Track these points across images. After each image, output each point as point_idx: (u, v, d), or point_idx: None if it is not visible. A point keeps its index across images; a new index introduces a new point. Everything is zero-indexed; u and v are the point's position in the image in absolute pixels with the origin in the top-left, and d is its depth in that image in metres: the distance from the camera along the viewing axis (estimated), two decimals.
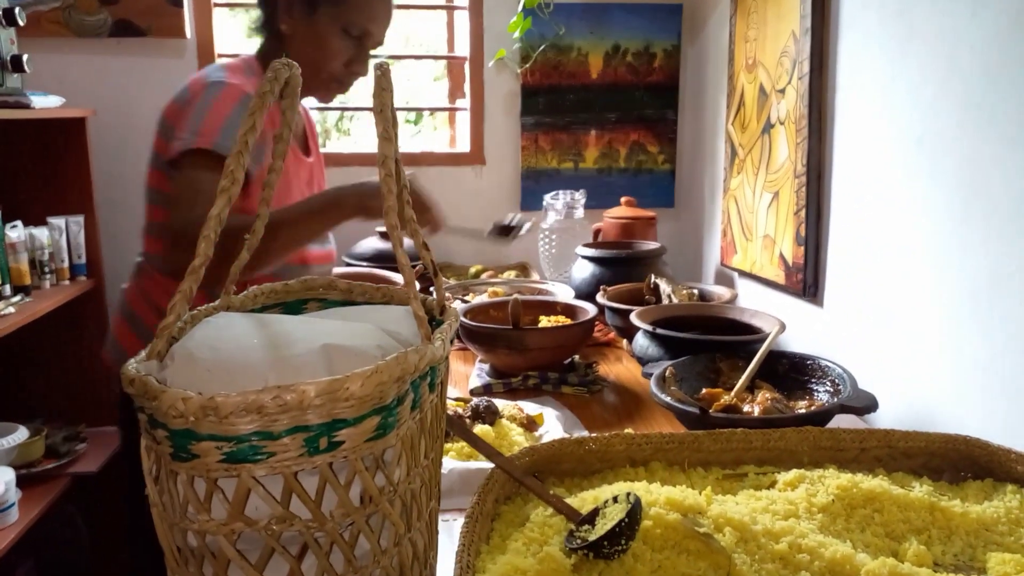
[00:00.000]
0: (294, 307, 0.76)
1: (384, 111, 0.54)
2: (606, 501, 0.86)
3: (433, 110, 2.74)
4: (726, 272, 2.17)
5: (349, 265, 2.17)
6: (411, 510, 0.52)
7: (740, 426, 1.07)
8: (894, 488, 0.96)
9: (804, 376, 1.29)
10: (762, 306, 1.89)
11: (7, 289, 1.90)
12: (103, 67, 2.34)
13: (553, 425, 1.27)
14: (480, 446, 0.93)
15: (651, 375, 1.26)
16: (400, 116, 4.14)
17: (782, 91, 1.73)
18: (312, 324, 0.55)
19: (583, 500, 0.90)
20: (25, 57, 1.80)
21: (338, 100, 1.40)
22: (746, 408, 1.20)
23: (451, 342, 0.65)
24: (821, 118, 1.63)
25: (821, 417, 1.12)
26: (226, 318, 0.56)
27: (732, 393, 1.23)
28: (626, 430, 1.04)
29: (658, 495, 0.89)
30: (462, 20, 2.49)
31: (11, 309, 1.80)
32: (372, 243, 2.23)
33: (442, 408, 0.62)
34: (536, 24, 2.33)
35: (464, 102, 2.52)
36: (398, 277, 1.98)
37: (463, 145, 2.54)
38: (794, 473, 0.99)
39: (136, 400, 0.45)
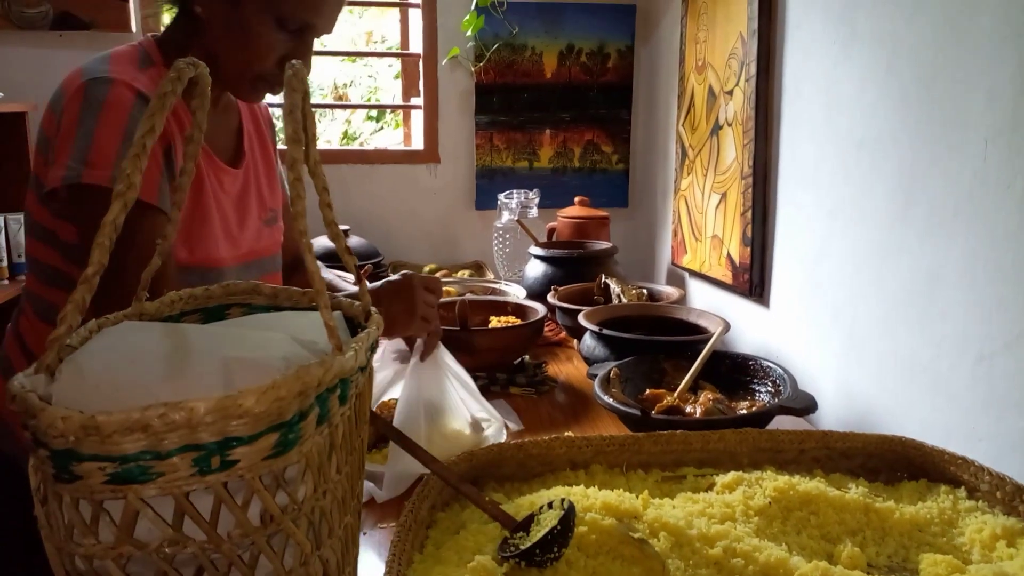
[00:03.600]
0: (215, 313, 0.74)
1: (294, 112, 0.52)
2: (541, 507, 0.85)
3: (385, 107, 2.71)
4: (677, 272, 2.17)
5: None
6: (320, 528, 0.50)
7: (680, 427, 1.07)
8: (830, 490, 0.96)
9: (746, 376, 1.29)
10: (711, 306, 1.90)
11: None
12: (44, 61, 2.27)
13: (497, 428, 1.26)
14: (416, 452, 0.91)
15: (595, 376, 1.25)
16: (360, 113, 4.06)
17: (730, 93, 1.74)
18: (219, 334, 0.53)
19: (519, 506, 0.89)
20: None
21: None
22: (688, 409, 1.20)
23: (372, 350, 0.63)
24: (768, 120, 1.64)
25: (760, 418, 1.12)
26: (129, 328, 0.53)
27: (675, 394, 1.23)
28: (567, 433, 1.04)
29: (594, 500, 0.89)
30: (416, 17, 2.47)
31: None
32: (323, 242, 2.20)
33: (360, 419, 0.60)
34: (490, 23, 2.32)
35: (419, 100, 2.50)
36: (349, 276, 1.95)
37: (418, 143, 2.51)
38: (732, 475, 0.99)
39: (21, 418, 0.43)
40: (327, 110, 3.95)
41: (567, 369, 1.65)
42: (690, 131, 2.00)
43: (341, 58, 4.03)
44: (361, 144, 3.97)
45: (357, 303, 0.71)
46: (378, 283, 1.17)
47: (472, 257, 2.48)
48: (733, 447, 1.05)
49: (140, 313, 0.63)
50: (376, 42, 4.18)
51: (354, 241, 2.23)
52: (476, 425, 1.18)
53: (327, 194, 0.64)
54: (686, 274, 2.11)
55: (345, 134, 4.24)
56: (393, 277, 1.18)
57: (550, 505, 0.85)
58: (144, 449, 0.40)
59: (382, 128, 4.28)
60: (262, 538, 0.45)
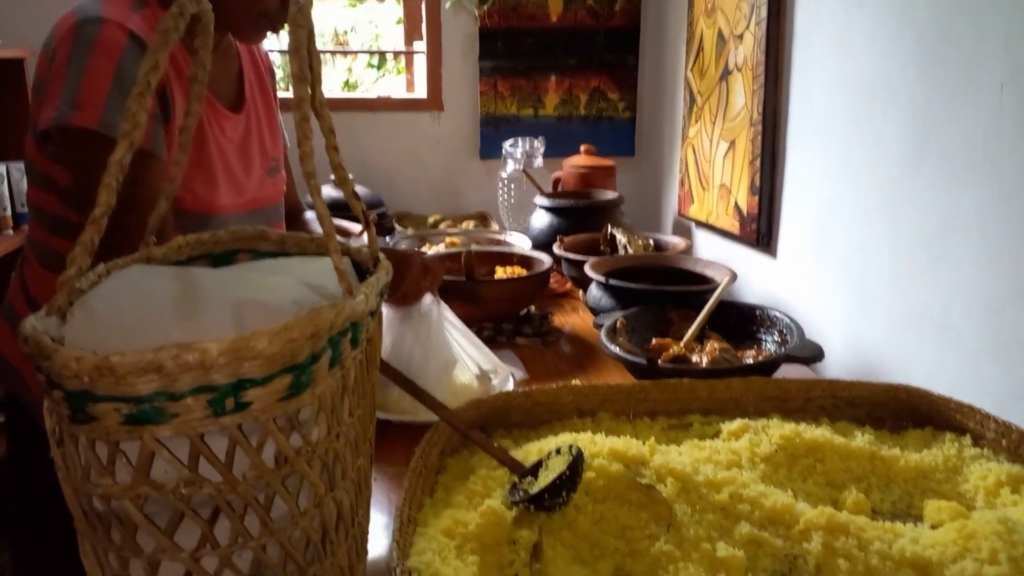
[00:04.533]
0: (223, 259, 0.73)
1: (299, 50, 0.50)
2: (549, 453, 0.86)
3: (386, 53, 2.66)
4: (684, 222, 2.16)
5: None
6: (334, 470, 0.51)
7: (687, 376, 1.07)
8: (836, 437, 0.97)
9: (753, 326, 1.29)
10: (718, 256, 1.90)
11: None
12: (40, 4, 2.22)
13: (503, 377, 1.26)
14: (424, 398, 0.92)
15: (602, 326, 1.25)
16: (361, 61, 3.98)
17: (740, 36, 1.70)
18: (229, 278, 0.53)
19: (527, 452, 0.90)
20: None
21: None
22: (694, 359, 1.20)
23: (381, 295, 0.63)
24: (778, 65, 1.61)
25: (767, 367, 1.12)
26: (140, 271, 0.53)
27: (681, 344, 1.23)
28: (574, 381, 1.04)
29: (602, 446, 0.89)
30: None
31: None
32: (327, 192, 2.18)
33: (371, 363, 0.60)
34: None
35: (421, 45, 2.45)
36: (354, 226, 1.94)
37: (421, 91, 2.48)
38: (738, 423, 1.00)
39: (33, 360, 0.43)
40: (328, 56, 3.88)
41: (573, 320, 1.65)
42: (699, 77, 1.96)
43: (343, 3, 3.95)
44: (364, 92, 3.92)
45: (365, 249, 0.71)
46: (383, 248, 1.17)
47: (477, 207, 2.46)
48: (739, 395, 1.05)
49: (148, 258, 0.62)
50: None
51: (357, 191, 2.21)
52: (483, 377, 1.19)
53: (333, 136, 0.63)
54: (693, 224, 2.10)
55: (347, 83, 4.17)
56: (397, 248, 1.17)
57: (558, 451, 0.85)
58: (158, 390, 0.40)
59: (384, 76, 4.21)
60: (277, 479, 0.45)
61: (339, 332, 0.48)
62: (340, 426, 0.51)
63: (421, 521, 0.79)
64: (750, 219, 1.70)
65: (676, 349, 1.21)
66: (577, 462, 0.81)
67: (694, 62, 2.00)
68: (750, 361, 1.18)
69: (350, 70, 4.17)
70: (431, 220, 2.28)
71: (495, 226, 2.28)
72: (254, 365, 0.41)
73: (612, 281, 1.39)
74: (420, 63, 2.47)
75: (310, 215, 1.48)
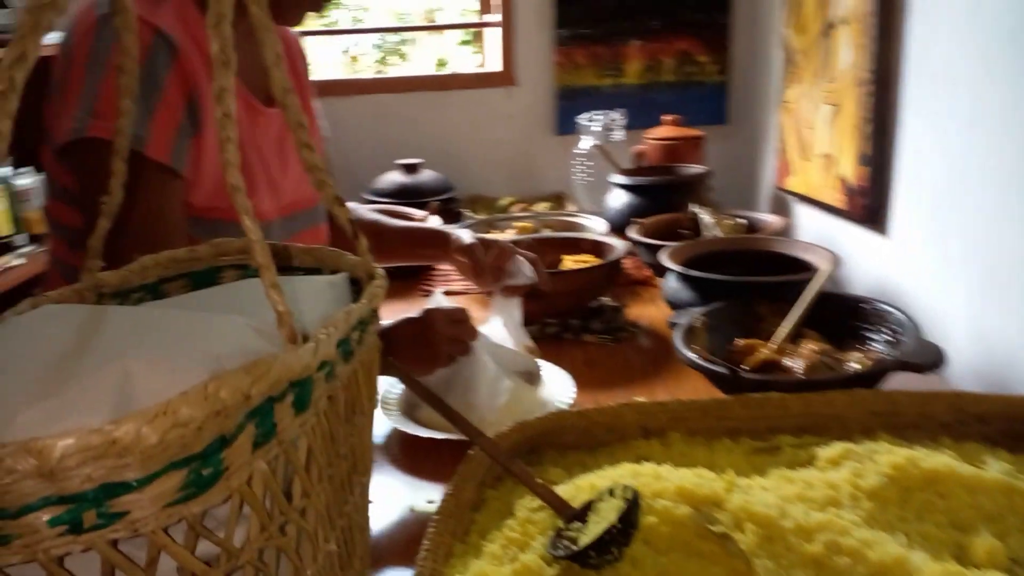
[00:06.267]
0: (205, 278, 0.63)
1: (220, 25, 0.38)
2: (602, 493, 0.73)
3: (458, 27, 2.53)
4: (782, 196, 1.95)
5: (369, 201, 2.04)
6: (278, 568, 0.39)
7: (775, 389, 0.91)
8: (962, 465, 0.79)
9: (859, 322, 1.10)
10: (820, 237, 1.69)
11: (20, 239, 1.84)
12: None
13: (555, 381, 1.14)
14: (458, 421, 0.80)
15: (677, 325, 1.10)
16: (452, 37, 3.83)
17: None
18: (150, 322, 0.42)
19: (579, 489, 0.76)
20: None
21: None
22: (787, 363, 1.03)
23: (362, 326, 0.51)
24: (891, 13, 1.38)
25: (874, 375, 0.95)
26: (40, 316, 0.43)
27: (772, 344, 1.06)
28: (636, 398, 0.90)
29: (667, 482, 0.75)
30: None
31: (21, 260, 1.74)
32: (394, 177, 2.09)
33: (353, 408, 0.48)
34: None
35: (493, 18, 2.31)
36: (417, 212, 1.84)
37: (493, 65, 2.34)
38: (838, 447, 0.83)
39: None
40: (416, 34, 3.76)
41: (650, 312, 1.49)
42: (797, 32, 1.74)
43: None
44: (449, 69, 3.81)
45: (363, 259, 0.59)
46: (398, 320, 1.04)
47: (554, 187, 2.32)
48: (840, 411, 0.88)
49: (96, 286, 0.52)
50: None
51: (426, 175, 2.10)
52: (529, 377, 1.09)
53: (303, 131, 0.50)
54: (792, 199, 1.88)
55: (440, 61, 4.03)
56: (412, 314, 1.04)
57: (612, 492, 0.72)
58: None
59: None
60: None
61: (267, 399, 0.36)
62: (287, 514, 0.39)
63: None
64: (858, 192, 1.49)
65: (765, 351, 1.05)
66: (632, 511, 0.67)
67: (791, 16, 1.77)
68: (855, 366, 1.00)
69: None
70: (502, 203, 2.15)
71: (572, 207, 2.13)
72: (123, 464, 0.30)
73: (690, 271, 1.23)
74: (492, 37, 2.33)
75: (352, 204, 1.38)
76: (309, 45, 1.29)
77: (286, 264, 0.65)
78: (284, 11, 1.00)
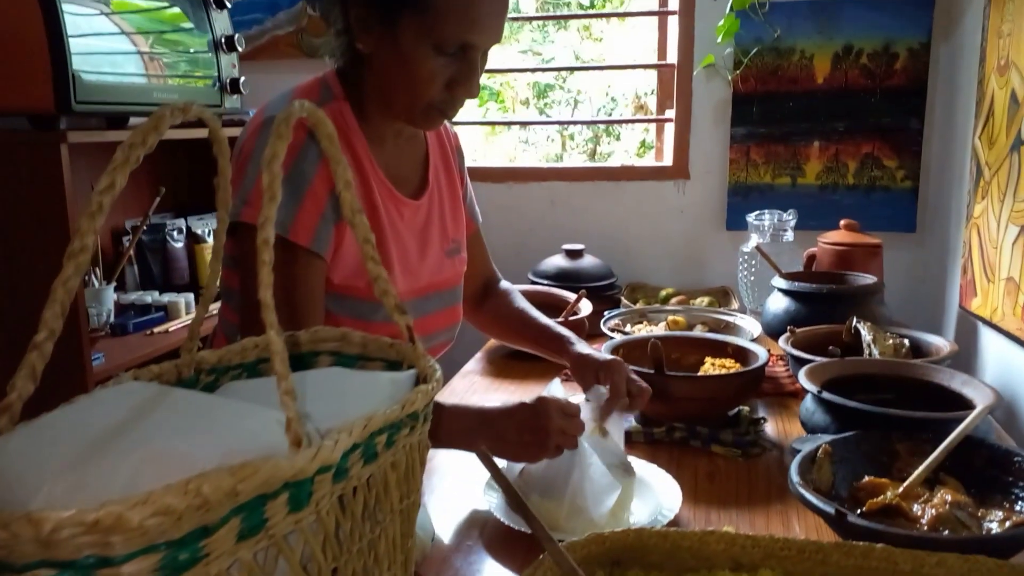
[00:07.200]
0: (300, 362, 0.70)
1: (272, 163, 0.45)
2: None
3: (636, 122, 2.59)
4: (968, 319, 1.78)
5: (532, 283, 2.11)
6: None
7: (886, 540, 0.83)
8: None
9: (1007, 476, 0.98)
10: (1001, 369, 1.52)
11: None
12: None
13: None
14: (533, 524, 0.81)
15: (799, 452, 1.03)
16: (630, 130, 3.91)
17: None
18: (199, 408, 0.48)
19: None
20: (242, 80, 1.97)
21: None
22: (915, 509, 0.94)
23: (403, 425, 0.54)
24: None
25: (1007, 543, 0.84)
26: (121, 391, 0.50)
27: (901, 488, 0.97)
28: (725, 527, 0.86)
29: None
30: (672, 26, 2.32)
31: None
32: (556, 261, 2.15)
33: (363, 516, 0.51)
34: (749, 27, 2.09)
35: (670, 113, 2.34)
36: (572, 296, 1.88)
37: (669, 159, 2.36)
38: None
39: None
40: (605, 125, 3.91)
41: (795, 429, 1.41)
42: (987, 145, 1.62)
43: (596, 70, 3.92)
44: (602, 155, 3.84)
45: (420, 353, 0.63)
46: (512, 404, 1.06)
47: (720, 282, 2.27)
48: None
49: (192, 363, 0.60)
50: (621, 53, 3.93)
51: (587, 261, 2.15)
52: (622, 468, 1.07)
53: (370, 247, 0.56)
54: (979, 323, 1.71)
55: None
56: (527, 399, 1.05)
57: None
58: None
59: (618, 138, 4.07)
60: None
61: (258, 497, 0.40)
62: None
63: None
64: None
65: (890, 495, 0.96)
66: None
67: (983, 128, 1.65)
68: (993, 527, 0.89)
69: (617, 136, 4.13)
70: (663, 294, 2.14)
71: (735, 303, 2.08)
72: (105, 541, 0.35)
73: (825, 394, 1.16)
74: (671, 131, 2.36)
75: (507, 285, 1.44)
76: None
77: (371, 355, 0.71)
78: (418, 122, 1.10)
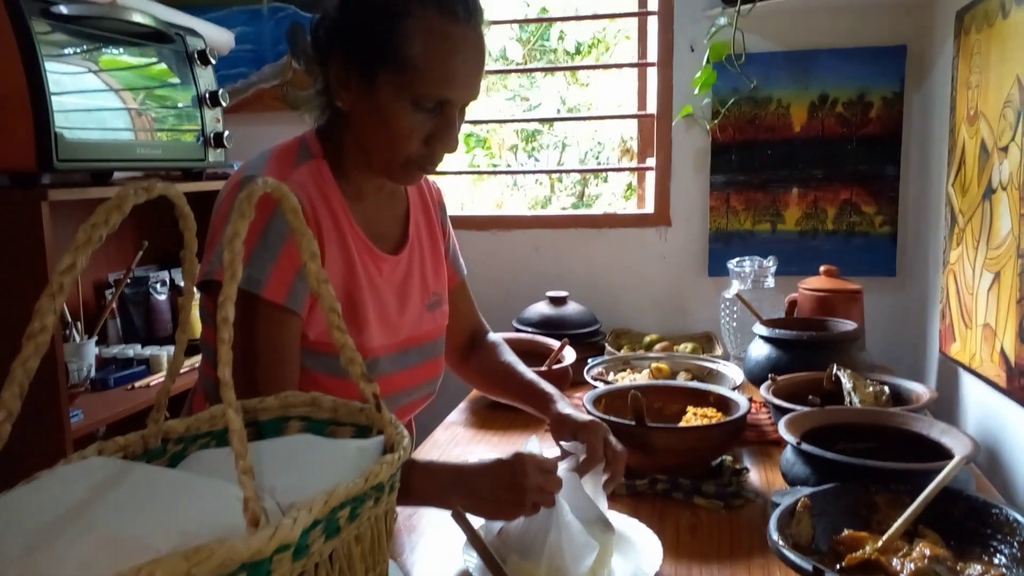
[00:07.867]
0: (270, 428, 0.70)
1: (233, 241, 0.45)
2: None
3: (617, 170, 2.63)
4: (949, 363, 1.79)
5: (517, 331, 2.11)
6: None
7: None
8: None
9: (986, 528, 0.98)
10: (982, 415, 1.53)
11: None
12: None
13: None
14: None
15: (777, 505, 1.03)
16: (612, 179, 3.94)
17: (1005, 149, 1.40)
18: (158, 486, 0.48)
19: None
20: (226, 134, 1.99)
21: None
22: (895, 564, 0.93)
23: (368, 497, 0.54)
24: None
25: None
26: (82, 468, 0.50)
27: (879, 542, 0.97)
28: None
29: None
30: (651, 78, 2.36)
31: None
32: (540, 308, 2.16)
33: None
34: (726, 78, 2.13)
35: (651, 161, 2.38)
36: (556, 344, 1.88)
37: (651, 206, 2.39)
38: None
39: None
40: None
41: (778, 478, 1.40)
42: (960, 193, 1.65)
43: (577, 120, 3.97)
44: (590, 197, 3.88)
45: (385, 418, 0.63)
46: (489, 461, 1.04)
47: (704, 327, 2.28)
48: None
49: (159, 433, 0.60)
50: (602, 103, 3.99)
51: (571, 308, 2.16)
52: (600, 525, 1.05)
53: (336, 316, 0.56)
54: (959, 368, 1.73)
55: (580, 199, 4.14)
56: (503, 456, 1.04)
57: None
58: None
59: (606, 180, 4.11)
60: None
61: None
62: None
63: None
64: (1018, 372, 1.35)
65: (869, 549, 0.96)
66: None
67: (956, 176, 1.68)
68: None
69: (598, 182, 4.15)
70: (647, 340, 2.14)
71: (718, 350, 2.08)
72: None
73: (804, 445, 1.16)
74: (651, 179, 2.39)
75: (494, 337, 1.44)
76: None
77: (341, 419, 0.71)
78: (397, 177, 1.11)
